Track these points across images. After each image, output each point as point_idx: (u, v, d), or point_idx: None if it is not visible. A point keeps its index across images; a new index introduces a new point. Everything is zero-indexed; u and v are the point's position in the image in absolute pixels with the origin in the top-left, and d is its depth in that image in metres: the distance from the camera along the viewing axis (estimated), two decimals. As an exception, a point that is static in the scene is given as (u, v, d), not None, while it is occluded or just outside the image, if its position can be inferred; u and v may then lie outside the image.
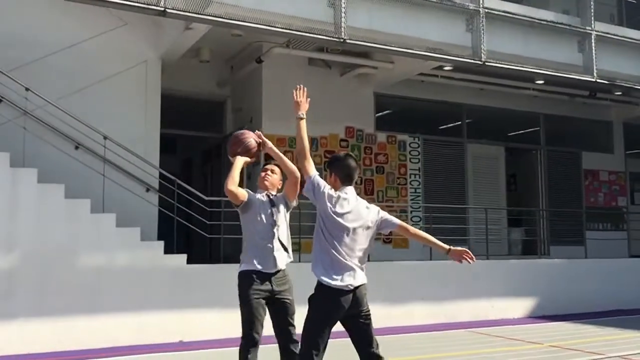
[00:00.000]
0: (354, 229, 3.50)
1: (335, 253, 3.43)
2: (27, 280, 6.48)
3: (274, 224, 4.03)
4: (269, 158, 4.93)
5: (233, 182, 3.92)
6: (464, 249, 3.56)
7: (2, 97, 7.15)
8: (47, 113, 7.39)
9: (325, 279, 3.41)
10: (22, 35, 7.58)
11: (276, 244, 4.02)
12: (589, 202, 12.81)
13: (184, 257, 7.30)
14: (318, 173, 3.63)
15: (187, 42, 8.40)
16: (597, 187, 12.98)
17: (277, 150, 4.01)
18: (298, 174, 3.91)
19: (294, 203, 4.17)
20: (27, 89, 7.07)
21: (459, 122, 11.71)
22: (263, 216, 4.03)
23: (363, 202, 3.64)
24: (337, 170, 3.62)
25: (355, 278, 3.44)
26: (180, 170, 11.93)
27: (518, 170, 12.84)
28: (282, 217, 4.10)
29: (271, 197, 4.13)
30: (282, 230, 4.09)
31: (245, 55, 9.94)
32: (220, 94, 10.68)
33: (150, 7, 6.18)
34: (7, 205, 6.44)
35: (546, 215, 12.06)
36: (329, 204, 3.49)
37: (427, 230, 9.89)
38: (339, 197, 3.53)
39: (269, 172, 4.21)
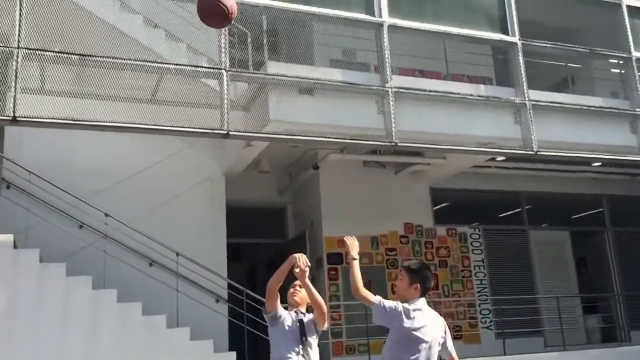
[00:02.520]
0: (431, 342, 3.56)
1: None
2: (108, 398, 6.71)
3: (303, 343, 4.06)
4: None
5: (275, 284, 4.05)
6: None
7: (83, 223, 7.76)
8: (123, 234, 7.91)
9: None
10: (99, 165, 8.29)
11: None
12: (667, 282, 12.23)
13: (255, 366, 7.41)
14: (380, 297, 3.70)
15: (248, 157, 8.95)
16: (673, 266, 12.43)
17: (309, 283, 4.10)
18: (324, 309, 4.06)
19: (324, 327, 4.20)
20: (106, 215, 7.65)
21: (519, 209, 11.66)
22: (292, 333, 4.07)
23: (433, 312, 3.72)
24: (422, 281, 3.71)
25: None
26: (246, 278, 12.20)
27: (587, 253, 12.49)
28: (312, 339, 4.12)
29: (301, 315, 4.18)
30: (312, 353, 4.10)
31: (302, 163, 10.41)
32: (280, 201, 11.12)
33: (215, 131, 6.70)
34: (90, 326, 6.81)
35: (622, 299, 11.57)
36: (406, 320, 3.55)
37: (497, 324, 9.68)
38: (414, 310, 3.59)
39: (297, 288, 4.26)
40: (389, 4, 7.88)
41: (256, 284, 11.98)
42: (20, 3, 5.89)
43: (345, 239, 3.94)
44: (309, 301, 4.19)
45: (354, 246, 3.89)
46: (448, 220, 11.03)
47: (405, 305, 3.60)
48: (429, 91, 8.00)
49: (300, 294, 4.24)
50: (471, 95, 8.33)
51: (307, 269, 4.07)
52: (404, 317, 3.55)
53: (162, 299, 7.66)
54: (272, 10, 7.39)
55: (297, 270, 4.06)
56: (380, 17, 7.74)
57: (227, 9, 3.79)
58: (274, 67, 7.30)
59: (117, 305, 7.00)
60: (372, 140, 7.83)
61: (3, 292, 6.68)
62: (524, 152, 8.44)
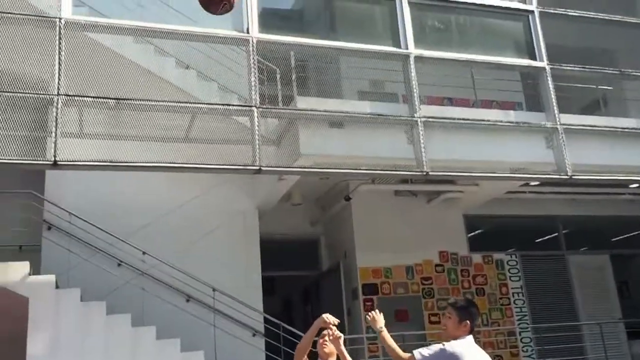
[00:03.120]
0: None
1: None
2: None
3: None
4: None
5: (305, 348, 4.05)
6: None
7: (121, 261, 7.91)
8: (160, 271, 8.03)
9: None
10: (136, 204, 8.48)
11: None
12: None
13: (294, 402, 7.35)
14: (418, 349, 3.69)
15: (280, 191, 9.04)
16: None
17: (344, 349, 4.04)
18: None
19: None
20: (144, 253, 7.79)
21: (556, 234, 11.47)
22: None
23: (481, 350, 3.69)
24: (473, 318, 3.72)
25: None
26: (281, 310, 12.22)
27: (629, 277, 12.16)
28: None
29: None
30: None
31: (334, 195, 10.46)
32: (313, 232, 11.16)
33: (247, 167, 6.80)
34: (129, 364, 6.90)
35: (668, 324, 11.19)
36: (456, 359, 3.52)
37: (539, 353, 9.43)
38: (464, 347, 3.57)
39: (326, 339, 4.17)
40: (414, 35, 7.95)
41: (292, 317, 12.00)
42: (59, 53, 6.13)
43: (367, 315, 4.00)
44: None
45: (375, 320, 3.95)
46: (483, 247, 10.89)
47: (453, 343, 3.59)
48: (459, 119, 7.99)
49: (330, 346, 4.18)
50: (501, 121, 8.27)
51: (341, 335, 4.03)
52: (453, 356, 3.53)
53: (200, 335, 7.72)
54: (300, 46, 7.54)
55: (331, 338, 4.04)
56: (407, 48, 7.79)
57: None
58: (303, 102, 7.39)
59: (156, 342, 7.07)
60: (403, 170, 7.81)
61: (47, 332, 6.83)
62: (558, 176, 8.33)
